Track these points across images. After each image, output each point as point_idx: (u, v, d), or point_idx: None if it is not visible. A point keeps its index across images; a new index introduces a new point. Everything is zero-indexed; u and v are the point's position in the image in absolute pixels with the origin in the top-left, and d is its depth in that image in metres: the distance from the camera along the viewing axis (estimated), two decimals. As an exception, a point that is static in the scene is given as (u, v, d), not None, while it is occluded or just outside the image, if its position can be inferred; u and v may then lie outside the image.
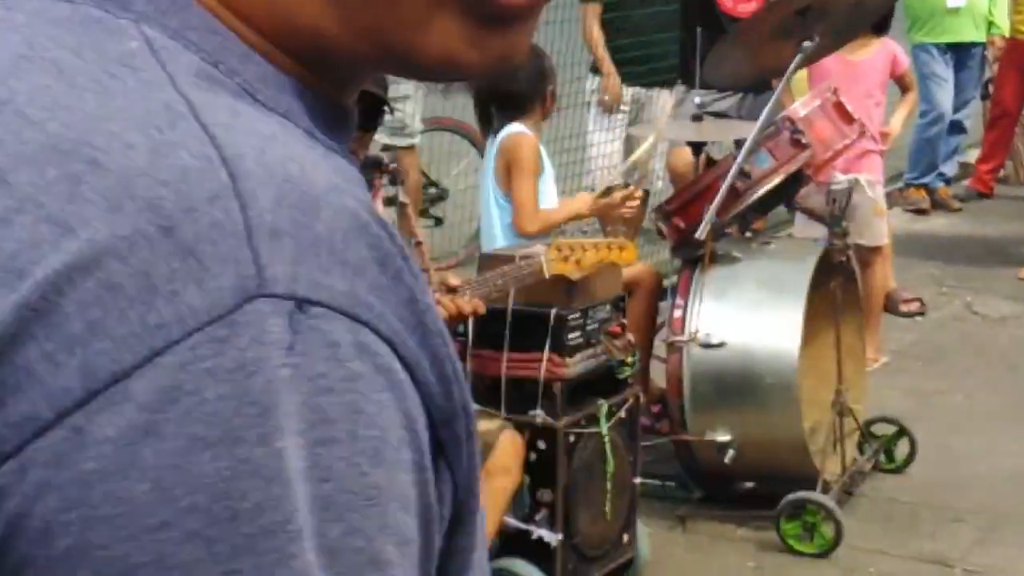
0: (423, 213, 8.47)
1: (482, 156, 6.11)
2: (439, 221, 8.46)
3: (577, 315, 4.08)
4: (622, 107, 7.75)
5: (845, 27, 5.11)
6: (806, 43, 4.80)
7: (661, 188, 7.50)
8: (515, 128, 4.87)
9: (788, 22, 4.84)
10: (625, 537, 4.30)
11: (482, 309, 3.76)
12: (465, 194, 7.95)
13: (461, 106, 6.55)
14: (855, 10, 5.02)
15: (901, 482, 5.27)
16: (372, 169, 4.55)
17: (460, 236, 7.96)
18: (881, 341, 6.59)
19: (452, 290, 3.76)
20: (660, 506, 4.94)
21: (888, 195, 8.58)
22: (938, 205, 9.40)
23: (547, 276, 3.91)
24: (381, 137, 7.95)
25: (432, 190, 8.69)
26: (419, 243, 4.72)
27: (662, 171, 7.60)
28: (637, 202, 5.07)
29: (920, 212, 9.27)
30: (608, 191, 5.36)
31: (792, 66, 4.85)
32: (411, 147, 8.02)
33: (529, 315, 4.05)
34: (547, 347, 4.01)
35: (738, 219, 4.98)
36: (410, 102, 7.88)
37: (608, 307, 4.21)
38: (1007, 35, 8.95)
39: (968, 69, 9.15)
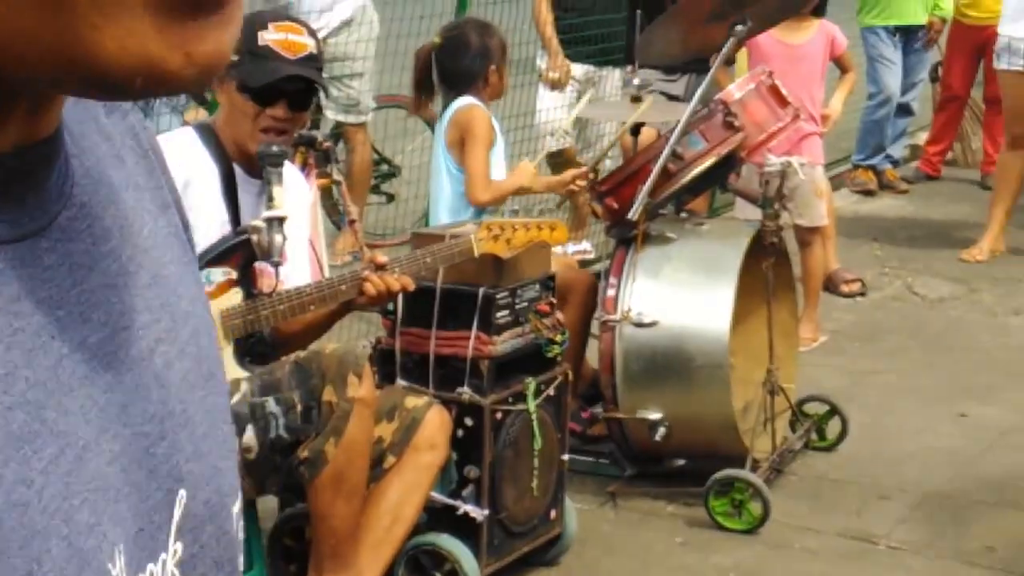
0: (375, 189, 8.52)
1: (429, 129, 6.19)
2: (391, 198, 8.49)
3: (505, 294, 4.14)
4: (572, 83, 7.81)
5: (775, 11, 5.18)
6: (738, 26, 4.87)
7: (609, 167, 7.57)
8: (468, 100, 4.95)
9: (720, 5, 4.91)
10: (552, 513, 4.37)
11: (411, 286, 3.81)
12: (418, 171, 7.98)
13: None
14: (785, -6, 5.10)
15: (831, 460, 5.35)
16: (306, 147, 4.61)
17: (412, 213, 7.99)
18: (820, 321, 6.68)
19: (381, 267, 3.81)
20: (592, 482, 5.01)
21: (836, 176, 8.70)
22: (885, 186, 9.49)
23: (476, 255, 3.97)
24: (333, 114, 8.01)
25: (384, 167, 8.73)
26: (352, 221, 4.77)
27: (615, 151, 7.68)
28: (585, 181, 5.16)
29: (867, 193, 9.36)
30: (555, 155, 5.44)
31: (724, 49, 4.92)
32: (362, 124, 8.05)
33: (458, 293, 4.11)
34: (475, 326, 4.07)
35: (672, 199, 5.04)
36: (363, 79, 7.92)
37: (537, 286, 4.27)
38: (947, 18, 9.03)
39: (916, 52, 9.23)
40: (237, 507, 0.72)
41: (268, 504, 4.24)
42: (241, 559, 0.72)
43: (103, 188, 0.72)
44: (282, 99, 3.75)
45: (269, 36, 3.76)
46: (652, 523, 4.81)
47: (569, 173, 5.31)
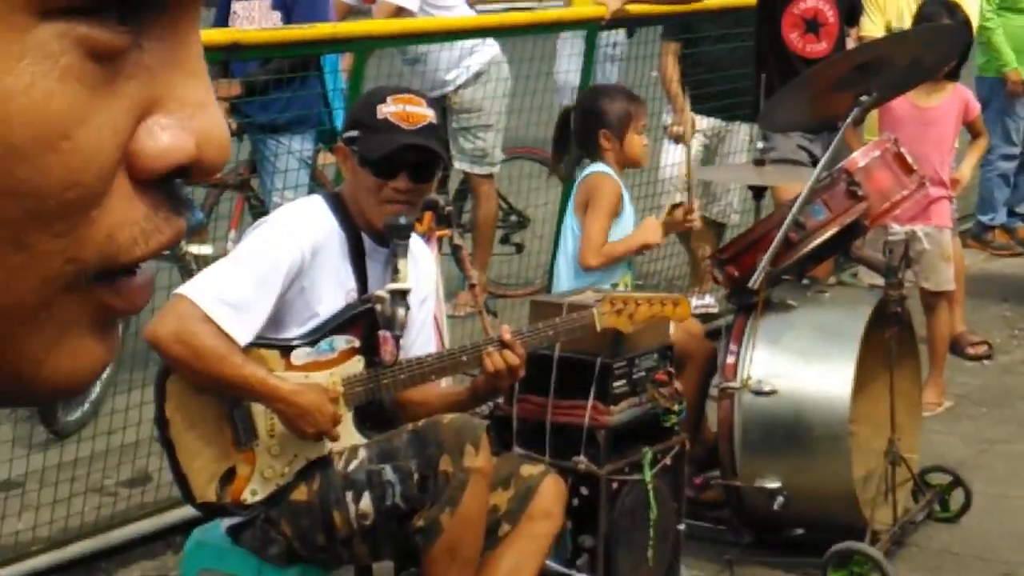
0: (503, 240, 8.58)
1: (562, 184, 6.24)
2: (520, 248, 8.53)
3: (623, 363, 4.15)
4: (698, 135, 7.82)
5: (901, 82, 5.15)
6: (863, 97, 4.85)
7: (738, 222, 7.57)
8: (600, 167, 5.00)
9: (847, 74, 4.89)
10: (668, 583, 4.36)
11: (521, 373, 3.83)
12: (548, 224, 8.03)
13: (543, 136, 6.64)
14: (912, 66, 5.06)
15: (954, 533, 5.27)
16: (430, 211, 4.66)
17: (540, 265, 8.03)
18: (946, 385, 6.59)
19: (505, 345, 3.83)
20: (710, 549, 4.99)
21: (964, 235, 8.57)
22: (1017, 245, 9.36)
23: (598, 329, 3.98)
24: (459, 164, 8.09)
25: (513, 218, 8.79)
26: (473, 285, 4.82)
27: (738, 204, 7.67)
28: (696, 214, 5.16)
29: (998, 252, 9.24)
30: (673, 208, 5.46)
31: (849, 119, 4.89)
32: (490, 176, 8.12)
33: (575, 362, 4.13)
34: (592, 395, 4.09)
35: (794, 267, 5.02)
36: (492, 131, 8.00)
37: (655, 355, 4.27)
38: None
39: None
40: None
41: (384, 567, 4.28)
42: None
43: None
44: (403, 171, 3.80)
45: (387, 109, 3.82)
46: (769, 593, 4.78)
47: (678, 213, 5.29)
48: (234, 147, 6.61)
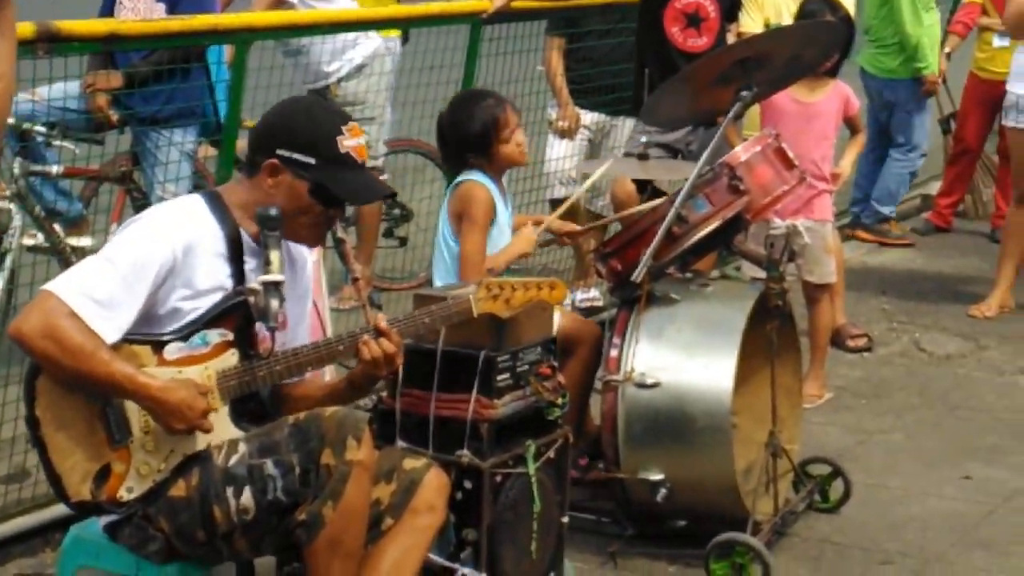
0: (387, 234, 8.54)
1: (445, 178, 6.22)
2: (403, 242, 8.50)
3: (507, 357, 4.14)
4: (583, 131, 7.85)
5: (782, 77, 5.20)
6: (743, 92, 4.89)
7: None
8: (471, 176, 4.97)
9: (729, 70, 4.93)
10: (552, 575, 4.36)
11: (399, 361, 3.83)
12: (430, 217, 8.01)
13: (427, 128, 6.61)
14: (792, 62, 5.11)
15: (834, 522, 5.34)
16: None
17: (424, 258, 8.00)
18: (826, 377, 6.67)
19: (381, 333, 3.82)
20: (593, 541, 5.01)
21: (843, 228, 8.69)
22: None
23: (475, 315, 3.97)
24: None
25: (396, 211, 8.75)
26: (356, 279, 4.79)
27: (605, 201, 7.69)
28: (579, 235, 5.23)
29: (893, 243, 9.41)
30: (557, 204, 5.50)
31: (731, 114, 4.93)
32: (374, 168, 8.08)
33: (459, 356, 4.11)
34: (475, 388, 4.08)
35: (677, 260, 5.05)
36: (375, 124, 7.95)
37: (539, 349, 4.27)
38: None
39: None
40: None
41: (265, 562, 4.24)
42: None
43: None
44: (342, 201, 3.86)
45: (348, 143, 3.83)
46: (651, 584, 4.81)
47: (561, 231, 5.34)
48: (114, 139, 6.52)
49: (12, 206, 6.03)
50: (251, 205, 3.84)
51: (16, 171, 6.06)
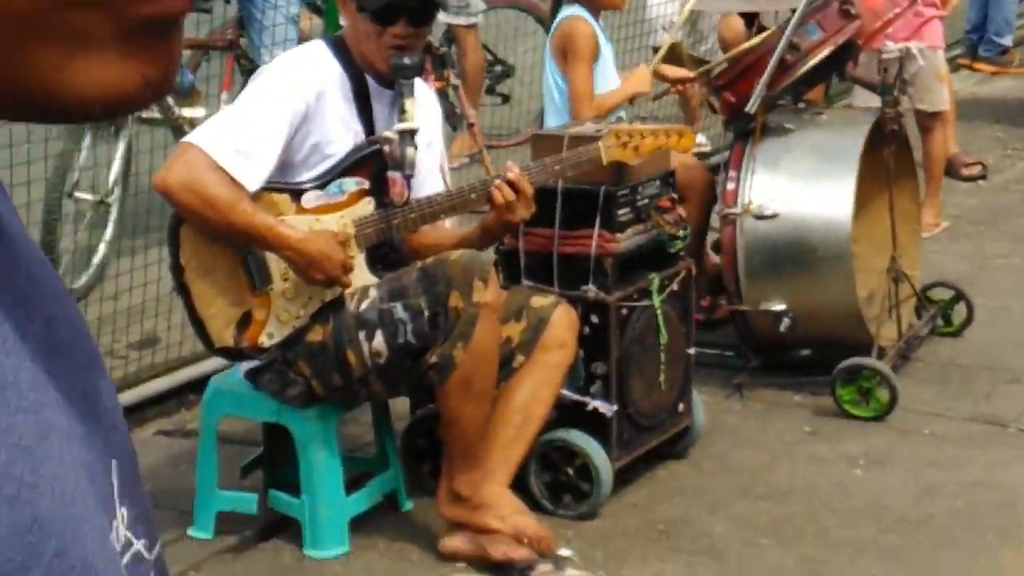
0: (489, 91, 8.55)
1: (547, 33, 6.20)
2: (506, 98, 8.51)
3: (627, 191, 4.17)
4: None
5: None
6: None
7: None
8: (572, 12, 4.96)
9: None
10: (680, 406, 4.41)
11: (532, 207, 3.85)
12: (532, 71, 8.00)
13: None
14: None
15: (958, 345, 5.34)
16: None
17: (527, 113, 8.01)
18: (942, 206, 6.63)
19: (512, 181, 3.83)
20: (718, 375, 5.05)
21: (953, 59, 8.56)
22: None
23: (605, 163, 3.99)
24: (443, 16, 8.02)
25: (498, 68, 8.75)
26: (471, 124, 4.81)
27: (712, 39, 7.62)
28: (689, 84, 5.19)
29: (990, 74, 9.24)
30: (670, 49, 5.50)
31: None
32: (473, 26, 8.08)
33: (580, 193, 4.14)
34: (597, 224, 4.11)
35: (790, 90, 5.02)
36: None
37: (658, 183, 4.29)
38: None
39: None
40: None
41: (401, 405, 4.34)
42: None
43: None
44: (401, 17, 3.79)
45: None
46: (779, 414, 4.84)
47: (673, 77, 5.34)
48: (220, 8, 6.56)
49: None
50: (358, 46, 3.86)
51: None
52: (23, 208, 4.93)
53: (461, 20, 8.01)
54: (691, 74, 5.43)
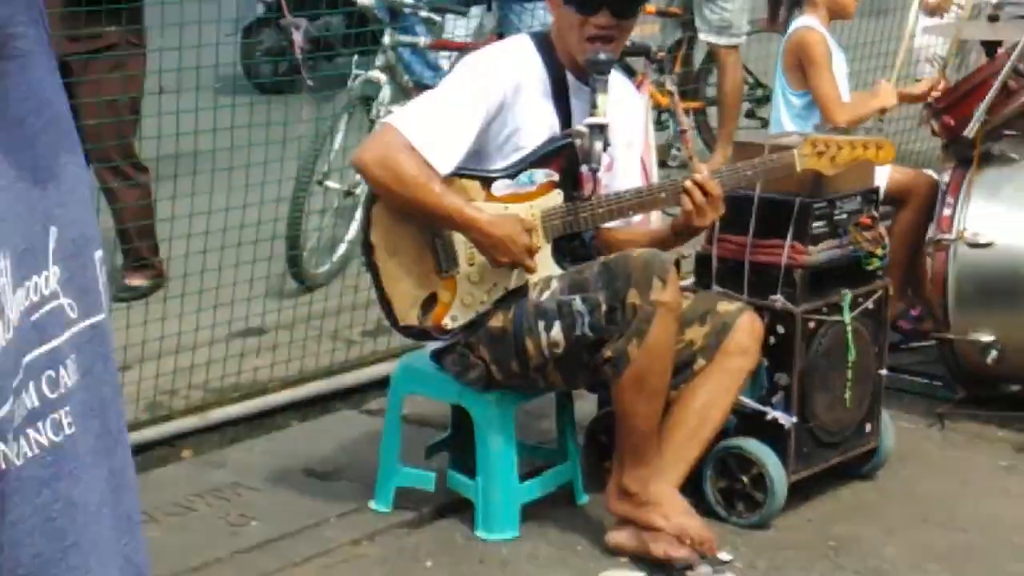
0: (749, 115, 8.56)
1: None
2: (765, 123, 8.48)
3: (823, 204, 4.15)
4: (954, 8, 7.62)
5: None
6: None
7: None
8: (802, 22, 4.99)
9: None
10: (868, 427, 4.36)
11: (720, 210, 3.87)
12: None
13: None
14: None
15: None
16: (642, 56, 4.71)
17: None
18: None
19: (701, 183, 3.86)
20: (921, 403, 4.97)
21: None
22: None
23: (799, 170, 3.99)
24: (705, 36, 8.10)
25: (759, 91, 8.75)
26: (683, 131, 4.86)
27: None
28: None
29: None
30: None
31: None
32: (734, 47, 8.11)
33: (775, 202, 4.14)
34: (789, 234, 4.10)
35: (1018, 121, 4.91)
36: (736, 2, 7.98)
37: (859, 198, 4.25)
38: None
39: None
40: (98, 254, 0.83)
41: (589, 404, 4.41)
42: (103, 302, 0.84)
43: None
44: (604, 7, 3.87)
45: None
46: (978, 446, 4.74)
47: (925, 83, 5.33)
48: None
49: (382, 76, 6.33)
50: (561, 40, 3.96)
51: (386, 42, 6.36)
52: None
53: (723, 40, 8.06)
54: (937, 78, 5.33)
